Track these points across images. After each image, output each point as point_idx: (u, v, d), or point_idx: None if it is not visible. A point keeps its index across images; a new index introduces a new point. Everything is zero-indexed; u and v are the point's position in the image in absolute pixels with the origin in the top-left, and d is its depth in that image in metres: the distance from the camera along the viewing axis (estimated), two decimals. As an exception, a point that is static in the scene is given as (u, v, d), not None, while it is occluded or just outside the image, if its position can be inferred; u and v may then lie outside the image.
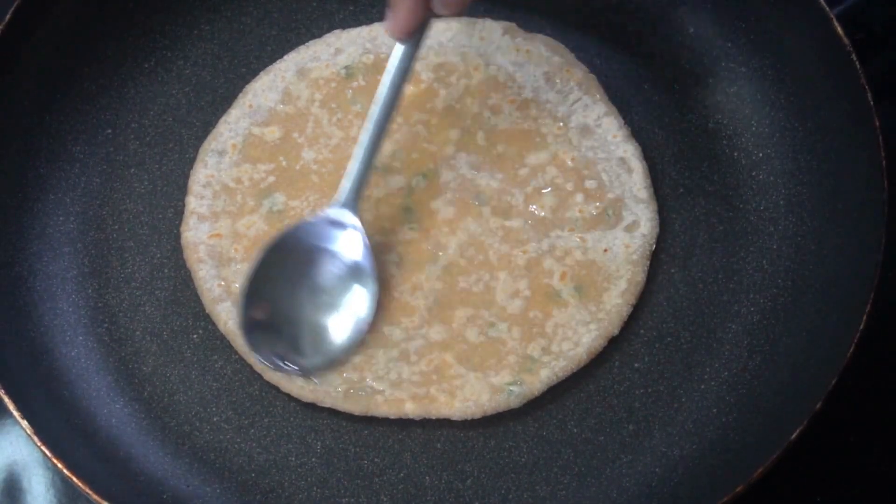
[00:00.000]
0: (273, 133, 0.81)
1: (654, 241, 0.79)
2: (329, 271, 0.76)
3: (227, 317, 0.76)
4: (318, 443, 0.75)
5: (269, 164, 0.80)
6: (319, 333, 0.75)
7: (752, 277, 0.78)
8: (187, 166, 0.81)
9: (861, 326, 0.69)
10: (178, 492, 0.73)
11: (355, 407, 0.74)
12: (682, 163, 0.81)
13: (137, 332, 0.78)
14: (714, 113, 0.82)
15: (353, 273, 0.76)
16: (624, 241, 0.78)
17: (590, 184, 0.80)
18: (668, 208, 0.80)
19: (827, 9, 0.76)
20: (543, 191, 0.79)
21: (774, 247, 0.78)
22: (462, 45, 0.83)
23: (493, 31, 0.84)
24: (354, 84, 0.82)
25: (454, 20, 0.84)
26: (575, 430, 0.75)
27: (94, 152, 0.81)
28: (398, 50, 0.73)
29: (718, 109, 0.82)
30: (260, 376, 0.76)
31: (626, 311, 0.77)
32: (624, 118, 0.81)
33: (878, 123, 0.73)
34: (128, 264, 0.79)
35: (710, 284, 0.78)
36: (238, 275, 0.77)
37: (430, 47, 0.83)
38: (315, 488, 0.74)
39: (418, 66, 0.82)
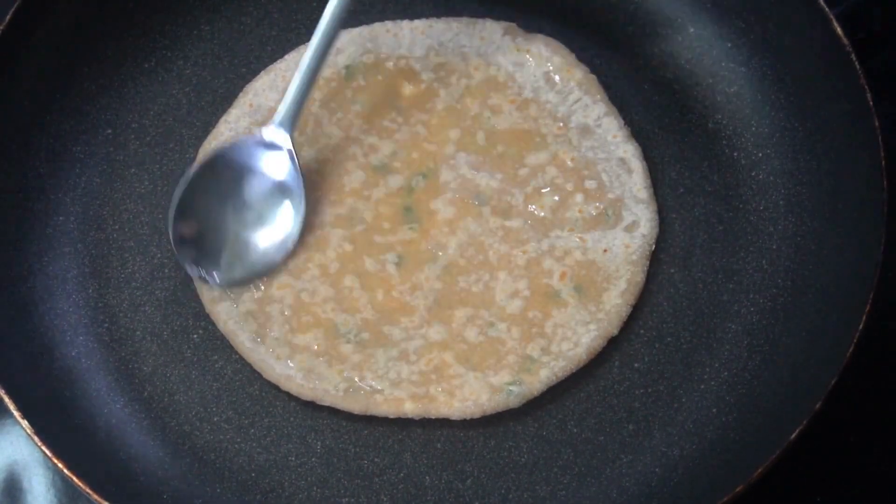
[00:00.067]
0: (273, 133, 0.81)
1: (653, 241, 0.79)
2: (256, 189, 0.78)
3: (226, 316, 0.77)
4: (318, 443, 0.75)
5: (269, 164, 0.80)
6: (244, 248, 0.77)
7: (752, 277, 0.78)
8: (187, 166, 0.81)
9: (861, 326, 0.69)
10: (178, 492, 0.73)
11: (355, 406, 0.74)
12: (682, 163, 0.81)
13: (137, 332, 0.78)
14: (714, 113, 0.82)
15: (281, 192, 0.78)
16: (624, 242, 0.78)
17: (590, 184, 0.80)
18: (668, 208, 0.80)
19: (827, 9, 0.76)
20: (543, 191, 0.79)
21: (774, 247, 0.78)
22: (462, 45, 0.83)
23: (493, 32, 0.84)
24: (354, 84, 0.82)
25: (454, 20, 0.84)
26: (575, 430, 0.75)
27: (94, 152, 0.81)
28: None
29: (718, 109, 0.82)
30: (260, 376, 0.76)
31: (625, 311, 0.77)
32: (624, 118, 0.81)
33: (877, 123, 0.73)
34: (128, 264, 0.79)
35: (710, 284, 0.78)
36: (238, 275, 0.77)
37: (430, 47, 0.83)
38: (315, 488, 0.74)
39: (418, 65, 0.82)
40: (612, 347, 0.76)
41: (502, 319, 0.76)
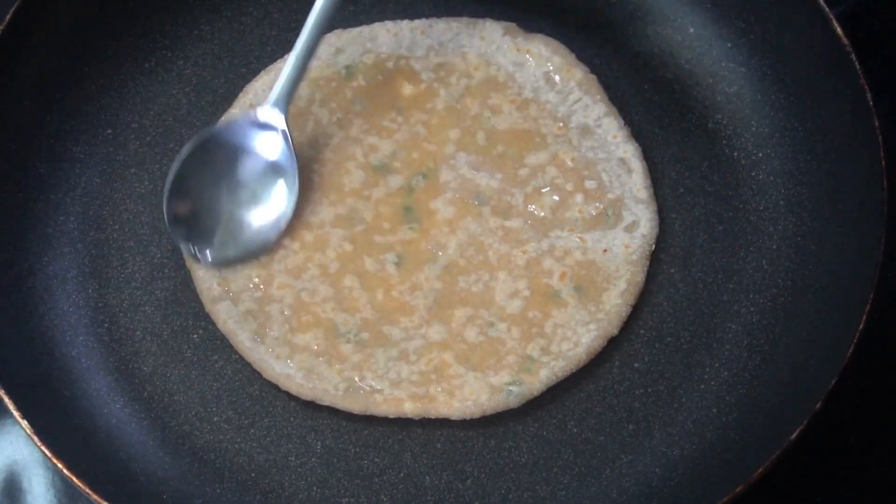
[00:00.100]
0: (273, 133, 0.81)
1: (653, 241, 0.78)
2: (250, 169, 0.78)
3: (226, 316, 0.77)
4: (318, 443, 0.75)
5: (269, 164, 0.80)
6: (238, 227, 0.77)
7: (752, 277, 0.78)
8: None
9: (861, 326, 0.69)
10: (178, 492, 0.73)
11: (354, 405, 0.74)
12: (682, 163, 0.81)
13: (137, 332, 0.78)
14: (714, 113, 0.82)
15: (274, 172, 0.78)
16: (623, 242, 0.78)
17: (590, 184, 0.79)
18: (668, 208, 0.80)
19: (827, 9, 0.76)
20: (543, 191, 0.79)
21: (774, 247, 0.78)
22: (462, 45, 0.83)
23: (493, 32, 0.84)
24: (354, 84, 0.82)
25: (454, 20, 0.84)
26: (575, 430, 0.75)
27: (94, 152, 0.81)
28: None
29: (718, 109, 0.82)
30: (260, 376, 0.76)
31: (625, 311, 0.77)
32: (624, 118, 0.81)
33: (877, 123, 0.73)
34: (128, 264, 0.79)
35: (710, 284, 0.78)
36: (238, 274, 0.77)
37: (430, 47, 0.83)
38: (315, 488, 0.74)
39: (418, 65, 0.82)
40: (612, 347, 0.76)
41: (502, 319, 0.76)
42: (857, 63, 0.74)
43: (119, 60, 0.83)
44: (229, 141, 0.78)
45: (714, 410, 0.74)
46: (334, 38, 0.84)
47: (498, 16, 0.84)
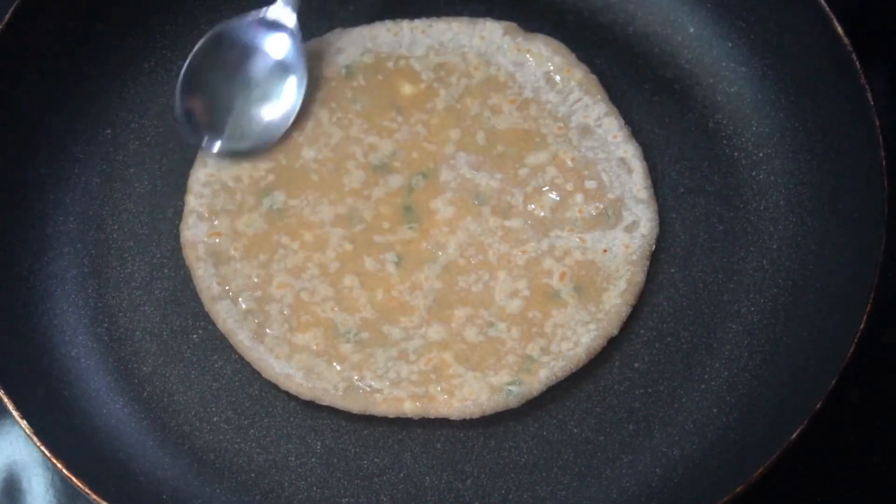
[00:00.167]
0: (273, 132, 0.81)
1: (653, 241, 0.78)
2: (260, 67, 0.80)
3: (226, 315, 0.77)
4: (318, 443, 0.75)
5: (269, 163, 0.80)
6: (247, 121, 0.80)
7: (752, 277, 0.78)
8: (187, 166, 0.81)
9: (861, 326, 0.69)
10: (178, 492, 0.73)
11: (354, 405, 0.74)
12: (682, 163, 0.81)
13: (137, 332, 0.78)
14: (714, 113, 0.82)
15: (283, 70, 0.80)
16: (623, 242, 0.78)
17: (590, 184, 0.79)
18: (668, 208, 0.80)
19: (827, 9, 0.76)
20: (543, 191, 0.79)
21: (774, 247, 0.78)
22: (462, 45, 0.83)
23: (493, 31, 0.84)
24: (354, 83, 0.82)
25: (454, 20, 0.84)
26: (575, 430, 0.75)
27: (94, 152, 0.82)
28: None
29: (718, 109, 0.82)
30: (259, 376, 0.76)
31: (625, 311, 0.77)
32: (624, 118, 0.81)
33: (878, 123, 0.73)
34: (128, 264, 0.79)
35: (710, 284, 0.78)
36: (237, 274, 0.77)
37: (430, 47, 0.83)
38: (315, 488, 0.74)
39: (418, 65, 0.82)
40: (612, 347, 0.76)
41: (502, 319, 0.76)
42: (857, 63, 0.74)
43: (119, 60, 0.83)
44: (240, 39, 0.80)
45: (714, 410, 0.74)
46: (334, 38, 0.84)
47: (498, 15, 0.84)
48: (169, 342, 0.77)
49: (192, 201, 0.79)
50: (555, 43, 0.83)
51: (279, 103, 0.80)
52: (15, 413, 0.69)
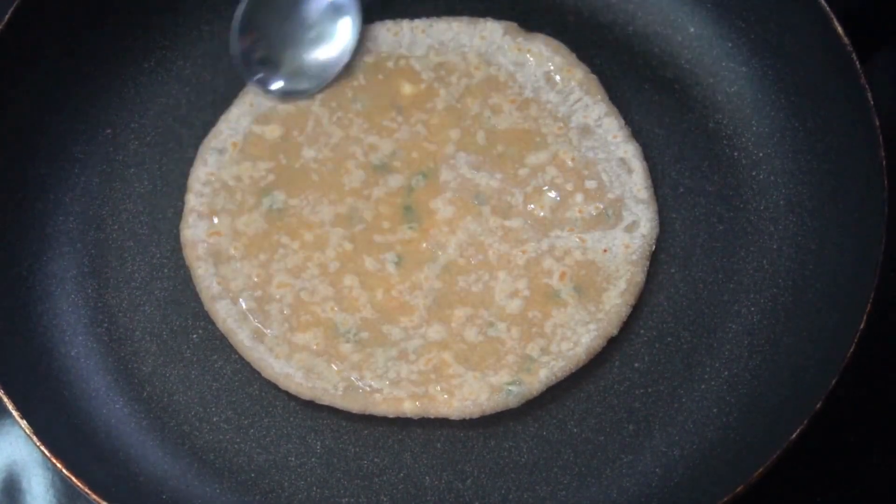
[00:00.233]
0: (273, 131, 0.81)
1: (653, 241, 0.78)
2: (313, 7, 0.82)
3: (225, 314, 0.77)
4: (318, 443, 0.75)
5: (269, 163, 0.80)
6: (303, 61, 0.82)
7: (752, 277, 0.78)
8: (187, 166, 0.81)
9: (861, 326, 0.69)
10: (178, 492, 0.73)
11: (354, 405, 0.74)
12: (682, 163, 0.81)
13: (137, 332, 0.78)
14: (714, 113, 0.82)
15: (336, 10, 0.82)
16: (623, 242, 0.78)
17: (590, 184, 0.79)
18: (668, 208, 0.80)
19: (827, 9, 0.76)
20: (543, 190, 0.79)
21: (774, 247, 0.78)
22: (462, 44, 0.83)
23: (493, 31, 0.84)
24: (355, 83, 0.82)
25: (454, 20, 0.84)
26: (575, 430, 0.75)
27: (94, 152, 0.82)
28: None
29: (718, 109, 0.82)
30: (259, 376, 0.76)
31: (625, 311, 0.77)
32: (624, 118, 0.81)
33: (878, 123, 0.73)
34: (128, 264, 0.79)
35: (710, 284, 0.78)
36: (237, 273, 0.77)
37: (430, 47, 0.83)
38: (315, 488, 0.74)
39: (418, 65, 0.82)
40: (612, 347, 0.76)
41: (502, 319, 0.76)
42: (857, 63, 0.74)
43: (119, 60, 0.83)
44: None
45: (714, 410, 0.74)
46: (334, 38, 0.84)
47: (498, 15, 0.84)
48: (169, 342, 0.77)
49: (192, 200, 0.79)
50: (555, 43, 0.83)
51: (333, 44, 0.82)
52: (15, 413, 0.69)
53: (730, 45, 0.82)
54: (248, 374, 0.76)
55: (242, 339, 0.76)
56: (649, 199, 0.79)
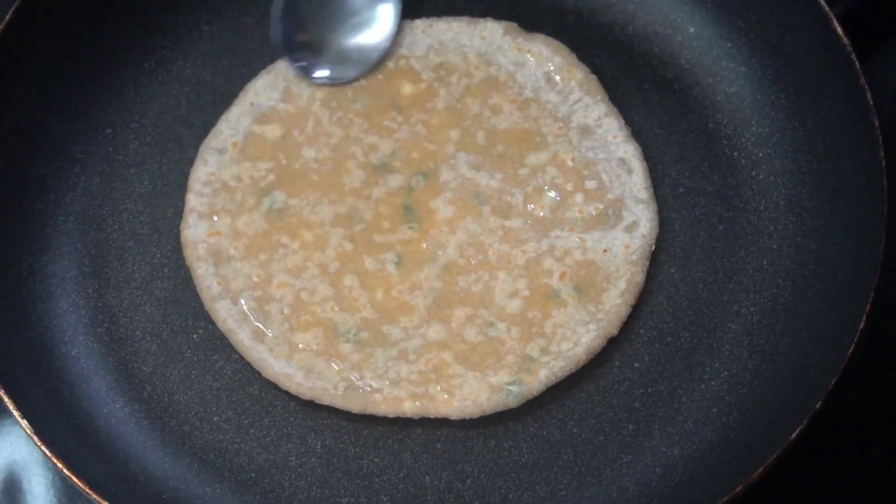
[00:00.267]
0: (274, 131, 0.81)
1: (653, 241, 0.78)
2: None
3: (225, 314, 0.77)
4: (318, 443, 0.75)
5: (270, 163, 0.80)
6: (345, 47, 0.82)
7: (752, 277, 0.78)
8: (187, 166, 0.81)
9: (861, 326, 0.69)
10: (178, 492, 0.73)
11: (354, 405, 0.74)
12: (682, 163, 0.81)
13: (137, 332, 0.78)
14: (714, 113, 0.82)
15: None
16: (623, 242, 0.78)
17: (590, 184, 0.79)
18: (668, 208, 0.80)
19: (827, 9, 0.76)
20: (543, 190, 0.79)
21: (774, 247, 0.78)
22: (462, 44, 0.83)
23: (493, 31, 0.84)
24: (355, 83, 0.82)
25: (454, 20, 0.84)
26: (575, 430, 0.75)
27: (94, 152, 0.82)
28: None
29: (718, 109, 0.82)
30: (259, 376, 0.76)
31: (625, 311, 0.77)
32: (624, 118, 0.81)
33: (877, 123, 0.73)
34: (128, 264, 0.79)
35: (710, 284, 0.78)
36: (237, 273, 0.77)
37: (430, 47, 0.83)
38: (315, 488, 0.74)
39: (419, 65, 0.82)
40: (612, 347, 0.76)
41: (502, 319, 0.76)
42: (857, 63, 0.74)
43: (119, 60, 0.83)
44: None
45: (714, 410, 0.74)
46: (335, 38, 0.84)
47: (498, 15, 0.84)
48: (169, 342, 0.77)
49: (192, 200, 0.79)
50: (555, 43, 0.83)
51: (375, 29, 0.82)
52: (15, 413, 0.69)
53: (730, 45, 0.82)
54: (249, 374, 0.76)
55: (242, 339, 0.76)
56: (649, 199, 0.79)
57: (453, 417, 0.74)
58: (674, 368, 0.76)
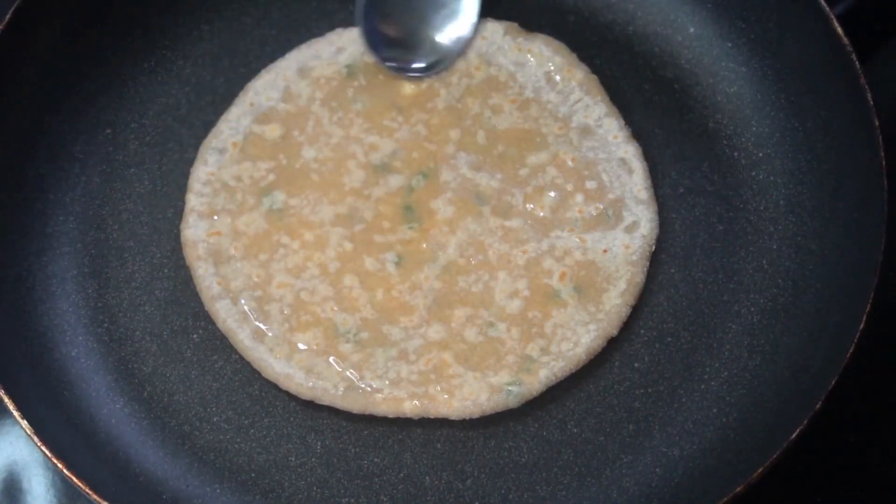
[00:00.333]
0: (274, 131, 0.81)
1: (653, 241, 0.78)
2: None
3: (225, 314, 0.77)
4: (318, 443, 0.75)
5: (270, 162, 0.80)
6: (432, 39, 0.82)
7: (752, 277, 0.78)
8: (187, 166, 0.81)
9: (861, 326, 0.69)
10: (178, 492, 0.73)
11: (354, 405, 0.74)
12: (682, 163, 0.81)
13: (137, 332, 0.78)
14: (714, 113, 0.82)
15: None
16: (623, 242, 0.78)
17: (590, 184, 0.79)
18: (668, 208, 0.80)
19: (827, 9, 0.76)
20: (543, 191, 0.79)
21: (774, 247, 0.78)
22: (463, 44, 0.83)
23: (494, 31, 0.84)
24: (355, 83, 0.82)
25: (455, 20, 0.84)
26: (575, 430, 0.75)
27: (94, 152, 0.82)
28: None
29: (718, 109, 0.82)
30: (259, 376, 0.76)
31: (625, 311, 0.77)
32: (624, 118, 0.81)
33: (877, 123, 0.73)
34: (128, 264, 0.79)
35: (710, 284, 0.78)
36: (237, 273, 0.77)
37: (430, 47, 0.83)
38: (315, 488, 0.74)
39: (418, 65, 0.83)
40: (612, 347, 0.76)
41: (502, 319, 0.76)
42: (857, 63, 0.74)
43: (119, 60, 0.83)
44: None
45: (714, 410, 0.74)
46: (335, 38, 0.84)
47: (499, 15, 0.84)
48: (169, 342, 0.77)
49: (192, 200, 0.79)
50: (555, 43, 0.83)
51: (461, 20, 0.82)
52: (15, 413, 0.69)
53: (730, 45, 0.82)
54: (249, 374, 0.76)
55: (242, 339, 0.76)
56: (649, 199, 0.79)
57: (453, 417, 0.74)
58: (674, 368, 0.76)
